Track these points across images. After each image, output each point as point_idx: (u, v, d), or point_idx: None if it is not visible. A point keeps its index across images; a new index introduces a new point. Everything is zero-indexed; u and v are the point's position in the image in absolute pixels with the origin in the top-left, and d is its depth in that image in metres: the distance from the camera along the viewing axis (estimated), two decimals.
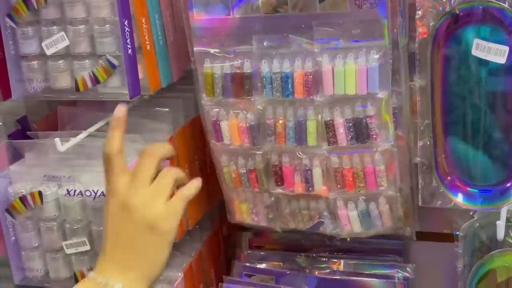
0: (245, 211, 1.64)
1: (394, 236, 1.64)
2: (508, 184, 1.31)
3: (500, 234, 1.33)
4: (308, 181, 1.52)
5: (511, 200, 1.31)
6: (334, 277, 1.69)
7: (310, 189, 1.52)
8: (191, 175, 1.66)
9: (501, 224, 1.32)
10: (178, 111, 1.65)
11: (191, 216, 1.71)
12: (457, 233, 1.47)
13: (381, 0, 1.34)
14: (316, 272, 1.71)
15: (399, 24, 1.37)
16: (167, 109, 1.63)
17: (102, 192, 1.44)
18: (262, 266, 1.77)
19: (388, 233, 1.58)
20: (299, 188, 1.53)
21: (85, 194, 1.45)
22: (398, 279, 1.66)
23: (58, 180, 1.49)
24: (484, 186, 1.33)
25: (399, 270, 1.67)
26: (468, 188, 1.34)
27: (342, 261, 1.73)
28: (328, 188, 1.52)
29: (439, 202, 1.41)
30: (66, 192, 1.46)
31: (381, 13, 1.36)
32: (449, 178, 1.35)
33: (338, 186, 1.51)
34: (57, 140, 1.49)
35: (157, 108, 1.67)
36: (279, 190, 1.56)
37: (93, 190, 1.44)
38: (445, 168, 1.35)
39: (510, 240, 1.42)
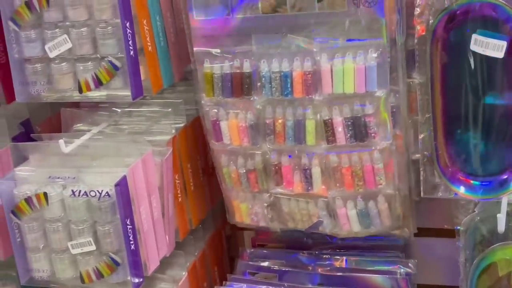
0: (244, 211, 1.65)
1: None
2: (506, 176, 1.32)
3: (501, 226, 1.34)
4: (307, 180, 1.53)
5: (510, 190, 1.32)
6: (336, 274, 1.70)
7: (309, 188, 1.53)
8: (194, 175, 1.70)
9: (501, 217, 1.34)
10: (180, 111, 1.67)
11: (194, 215, 1.73)
12: (458, 227, 1.49)
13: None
14: (319, 269, 1.72)
15: (396, 22, 1.39)
16: (169, 109, 1.65)
17: (107, 192, 1.45)
18: (265, 264, 1.78)
19: (386, 232, 1.59)
20: (298, 187, 1.54)
21: (90, 195, 1.46)
22: (400, 275, 1.66)
23: (63, 181, 1.50)
24: (485, 178, 1.35)
25: (401, 266, 1.69)
26: (470, 180, 1.35)
27: (344, 258, 1.74)
28: (327, 187, 1.53)
29: (440, 193, 1.42)
30: (71, 193, 1.47)
31: (378, 12, 1.37)
32: (450, 170, 1.36)
33: (337, 185, 1.52)
34: (61, 141, 1.51)
35: (159, 109, 1.69)
36: (278, 190, 1.57)
37: (97, 191, 1.45)
38: (446, 161, 1.36)
39: (510, 233, 1.43)
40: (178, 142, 1.64)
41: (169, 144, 1.59)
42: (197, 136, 1.68)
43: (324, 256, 1.76)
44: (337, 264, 1.74)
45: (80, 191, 1.47)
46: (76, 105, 1.72)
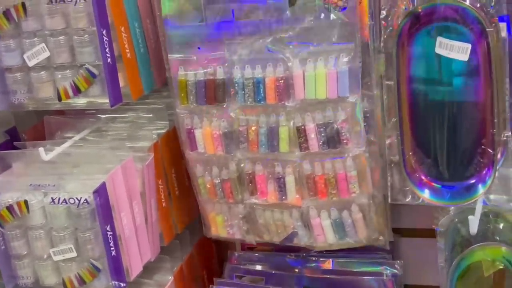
0: (220, 223, 1.65)
1: None
2: (473, 180, 1.32)
3: (473, 228, 1.34)
4: (281, 189, 1.53)
5: (477, 196, 1.32)
6: (323, 276, 1.71)
7: (283, 197, 1.54)
8: (178, 179, 1.70)
9: (473, 219, 1.33)
10: (162, 117, 1.68)
11: (180, 220, 1.74)
12: (439, 228, 1.48)
13: (350, 4, 1.36)
14: (306, 272, 1.73)
15: (369, 26, 1.39)
16: (150, 115, 1.66)
17: (86, 199, 1.46)
18: (252, 267, 1.78)
19: (363, 244, 1.59)
20: (272, 197, 1.55)
21: (69, 202, 1.47)
22: (386, 276, 1.66)
23: (44, 188, 1.51)
24: (450, 182, 1.34)
25: (387, 267, 1.69)
26: (435, 185, 1.35)
27: (331, 260, 1.74)
28: (301, 196, 1.53)
29: (409, 199, 1.42)
30: (51, 200, 1.48)
31: (349, 17, 1.38)
32: (416, 174, 1.36)
33: (311, 193, 1.52)
34: (41, 149, 1.52)
35: (143, 114, 1.70)
36: (253, 200, 1.57)
37: (76, 198, 1.46)
38: (413, 165, 1.36)
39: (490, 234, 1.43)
40: (160, 148, 1.64)
41: (150, 150, 1.60)
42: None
43: (312, 258, 1.76)
44: (323, 266, 1.74)
45: (59, 199, 1.48)
46: (61, 112, 1.73)
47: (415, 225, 1.77)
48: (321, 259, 1.75)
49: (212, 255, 1.95)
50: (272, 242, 1.64)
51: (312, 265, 1.75)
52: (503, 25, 1.29)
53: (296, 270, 1.74)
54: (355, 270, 1.70)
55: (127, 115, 1.72)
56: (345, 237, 1.56)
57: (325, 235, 1.56)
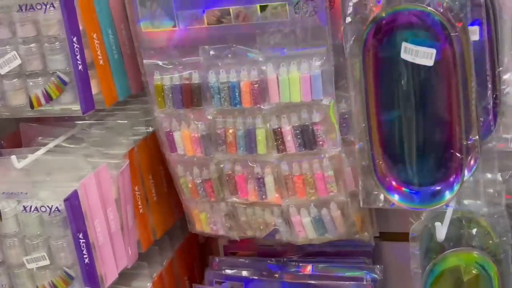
0: (204, 220, 1.65)
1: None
2: (440, 187, 1.30)
3: (440, 235, 1.32)
4: (261, 189, 1.53)
5: (443, 202, 1.30)
6: (303, 281, 1.70)
7: (263, 197, 1.54)
8: (156, 185, 1.70)
9: (439, 225, 1.32)
10: (139, 123, 1.67)
11: (159, 226, 1.73)
12: (414, 234, 1.47)
13: (320, 7, 1.35)
14: (286, 277, 1.72)
15: (343, 29, 1.38)
16: (125, 121, 1.65)
17: (57, 207, 1.46)
18: (233, 272, 1.78)
19: (343, 238, 1.59)
20: (252, 196, 1.55)
21: (41, 210, 1.47)
22: (366, 281, 1.66)
23: (17, 196, 1.51)
24: (418, 188, 1.33)
25: (367, 272, 1.68)
26: (403, 189, 1.34)
27: (311, 264, 1.73)
28: (281, 195, 1.53)
29: (381, 203, 1.40)
30: (23, 209, 1.48)
31: (320, 20, 1.37)
32: (387, 179, 1.35)
33: (290, 193, 1.52)
34: (13, 157, 1.52)
35: (121, 120, 1.70)
36: (234, 199, 1.57)
37: (47, 206, 1.46)
38: (383, 170, 1.34)
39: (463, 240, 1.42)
40: (137, 154, 1.64)
41: (126, 157, 1.59)
42: (159, 146, 1.67)
43: (292, 263, 1.75)
44: (304, 271, 1.73)
45: (31, 207, 1.48)
46: (37, 119, 1.73)
47: (395, 229, 1.75)
48: (301, 264, 1.74)
49: (194, 260, 1.94)
50: (255, 237, 1.64)
51: (292, 270, 1.74)
52: (475, 29, 1.28)
53: (276, 275, 1.74)
54: (335, 275, 1.70)
55: (104, 121, 1.71)
56: (325, 233, 1.57)
57: (305, 231, 1.57)
